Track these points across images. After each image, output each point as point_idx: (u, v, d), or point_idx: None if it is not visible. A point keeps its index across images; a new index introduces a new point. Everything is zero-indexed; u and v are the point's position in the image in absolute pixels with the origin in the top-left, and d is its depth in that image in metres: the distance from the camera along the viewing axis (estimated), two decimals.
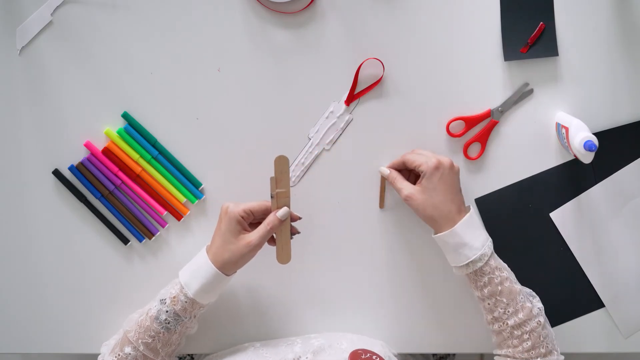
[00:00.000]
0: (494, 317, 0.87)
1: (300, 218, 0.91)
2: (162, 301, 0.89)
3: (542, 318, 0.87)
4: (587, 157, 0.89)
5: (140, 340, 0.89)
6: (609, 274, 1.00)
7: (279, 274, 1.01)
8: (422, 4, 0.96)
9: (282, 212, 0.88)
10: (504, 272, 0.87)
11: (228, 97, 1.00)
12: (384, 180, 0.98)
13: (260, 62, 0.99)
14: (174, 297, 0.88)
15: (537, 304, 0.89)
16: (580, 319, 1.01)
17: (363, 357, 0.88)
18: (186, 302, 0.88)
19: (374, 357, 0.89)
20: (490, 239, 0.89)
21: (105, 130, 1.00)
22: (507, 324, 0.86)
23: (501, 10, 0.96)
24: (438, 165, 0.87)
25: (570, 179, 0.98)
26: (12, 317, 1.05)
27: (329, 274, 1.02)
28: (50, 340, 1.06)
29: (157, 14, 0.98)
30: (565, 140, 0.92)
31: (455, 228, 0.86)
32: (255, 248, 0.87)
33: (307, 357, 0.90)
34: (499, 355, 0.90)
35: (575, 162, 0.98)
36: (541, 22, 0.95)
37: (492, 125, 0.98)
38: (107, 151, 1.00)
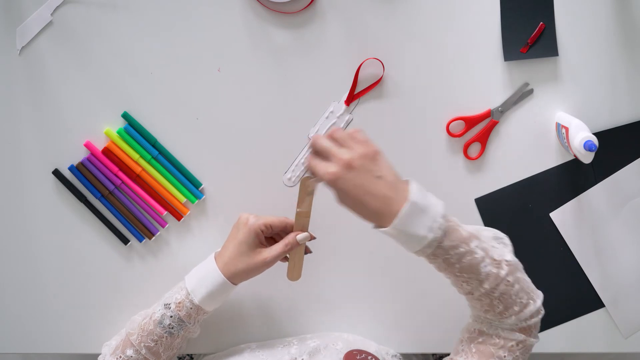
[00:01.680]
0: (458, 288, 0.81)
1: (314, 238, 0.90)
2: (167, 306, 0.89)
3: (512, 276, 0.79)
4: (587, 157, 0.89)
5: (142, 344, 0.89)
6: (609, 274, 1.00)
7: (276, 275, 1.01)
8: (422, 4, 0.96)
9: (302, 236, 0.87)
10: (461, 248, 0.76)
11: (228, 97, 1.00)
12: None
13: (260, 62, 0.99)
14: (179, 303, 0.88)
15: (506, 256, 0.80)
16: (580, 319, 1.01)
17: (358, 357, 0.88)
18: (191, 308, 0.88)
19: (369, 357, 0.89)
20: (442, 215, 0.76)
21: (105, 130, 1.00)
22: (473, 294, 0.79)
23: (501, 10, 0.96)
24: (336, 176, 0.75)
25: (570, 179, 0.98)
26: (12, 317, 1.06)
27: (328, 274, 1.02)
28: (50, 340, 1.06)
29: (157, 14, 0.98)
30: (565, 140, 0.92)
31: (393, 226, 0.75)
32: (269, 264, 0.87)
33: (302, 359, 0.90)
34: (471, 316, 0.85)
35: (575, 162, 0.98)
36: (541, 22, 0.95)
37: (492, 125, 0.98)
38: (107, 151, 1.00)
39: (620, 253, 0.99)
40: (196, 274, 0.90)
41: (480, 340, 0.81)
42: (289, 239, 0.87)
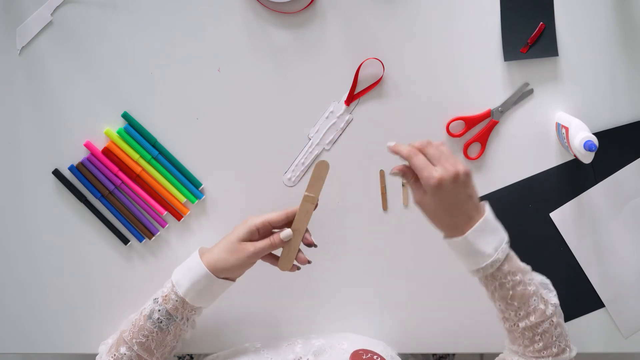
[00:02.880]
0: (504, 317, 0.87)
1: (316, 246, 0.90)
2: (155, 300, 0.89)
3: (556, 318, 0.85)
4: (587, 157, 0.89)
5: (134, 340, 0.89)
6: (609, 274, 1.00)
7: (278, 274, 1.01)
8: (422, 4, 0.96)
9: (285, 234, 0.87)
10: (517, 276, 0.84)
11: (228, 97, 1.00)
12: (383, 180, 0.98)
13: (260, 62, 0.99)
14: (166, 296, 0.88)
15: (552, 299, 0.86)
16: (580, 319, 1.01)
17: (364, 357, 0.88)
18: (177, 300, 0.88)
19: (375, 357, 0.89)
20: (506, 241, 0.85)
21: (105, 130, 1.00)
22: (519, 325, 0.85)
23: (501, 10, 0.96)
24: (439, 185, 0.80)
25: (570, 179, 0.98)
26: (12, 317, 1.05)
27: (329, 274, 1.02)
28: (50, 340, 1.06)
29: (157, 14, 0.98)
30: (565, 140, 0.92)
31: (465, 236, 0.82)
32: (251, 256, 0.87)
33: (307, 358, 0.90)
34: (509, 349, 0.89)
35: (575, 162, 0.98)
36: (541, 22, 0.95)
37: (492, 125, 0.98)
38: (107, 151, 1.00)
39: (620, 253, 0.99)
40: (182, 267, 0.90)
41: None
42: (274, 237, 0.87)
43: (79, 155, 1.01)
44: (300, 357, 0.90)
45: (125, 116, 1.00)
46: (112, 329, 1.03)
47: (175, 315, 0.89)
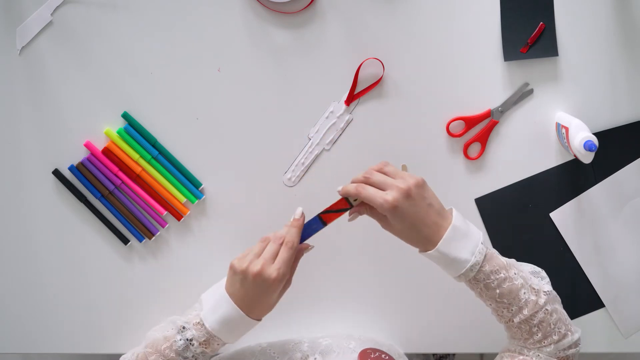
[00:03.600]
0: (498, 315, 0.87)
1: (312, 247, 0.88)
2: (189, 341, 0.84)
3: (550, 305, 0.84)
4: (587, 157, 0.89)
5: None
6: (609, 274, 1.00)
7: None
8: (422, 4, 0.96)
9: (298, 211, 0.86)
10: (501, 274, 0.83)
11: (228, 97, 1.00)
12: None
13: (260, 62, 0.99)
14: (205, 341, 0.84)
15: (544, 287, 0.86)
16: (580, 319, 1.01)
17: (372, 356, 0.88)
18: (218, 344, 0.85)
19: (383, 355, 0.88)
20: (481, 241, 0.83)
21: (105, 130, 1.00)
22: (514, 321, 0.85)
23: (501, 10, 0.96)
24: (394, 207, 0.80)
25: (570, 179, 0.98)
26: (12, 317, 1.06)
27: (329, 276, 1.02)
28: (50, 340, 1.06)
29: (157, 14, 0.98)
30: (565, 140, 0.92)
31: (437, 248, 0.81)
32: (289, 279, 0.86)
33: (315, 358, 0.90)
34: (511, 346, 0.88)
35: (575, 162, 0.98)
36: (541, 22, 0.95)
37: (492, 125, 0.98)
38: (107, 151, 1.00)
39: (620, 253, 0.99)
40: (216, 316, 0.84)
41: (521, 358, 0.85)
42: (284, 236, 0.84)
43: (79, 155, 1.01)
44: (308, 356, 0.90)
45: (125, 116, 1.00)
46: (112, 328, 1.03)
47: (212, 352, 0.86)
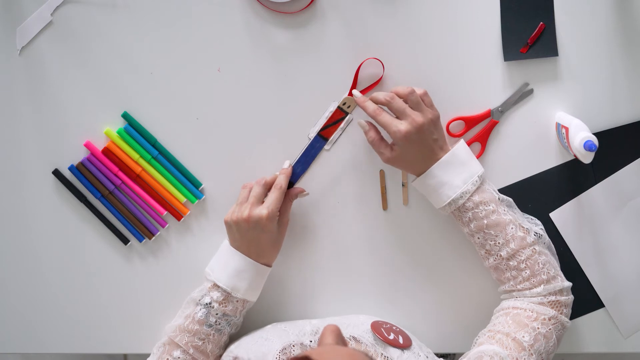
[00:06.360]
0: (486, 250, 0.86)
1: (307, 193, 0.96)
2: (208, 305, 0.89)
3: (538, 246, 0.86)
4: (587, 157, 0.89)
5: (190, 344, 0.89)
6: (609, 274, 1.00)
7: (278, 276, 1.01)
8: (422, 4, 0.96)
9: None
10: (490, 206, 0.85)
11: (228, 97, 1.00)
12: (383, 180, 0.98)
13: (260, 62, 0.99)
14: (224, 300, 0.89)
15: (535, 228, 0.88)
16: (580, 319, 1.01)
17: (384, 326, 0.88)
18: (237, 301, 0.89)
19: (394, 327, 0.89)
20: (478, 172, 0.88)
21: (105, 130, 1.00)
22: (500, 255, 0.84)
23: (501, 10, 0.96)
24: (406, 137, 0.85)
25: (570, 179, 0.98)
26: (12, 317, 1.06)
27: (328, 274, 1.02)
28: (50, 340, 1.06)
29: (157, 14, 0.98)
30: (565, 140, 0.92)
31: (431, 170, 0.86)
32: (286, 221, 0.94)
33: None
34: (504, 294, 0.89)
35: (575, 162, 0.98)
36: (541, 22, 0.95)
37: (492, 125, 0.98)
38: (107, 151, 1.00)
39: (620, 253, 0.99)
40: (227, 272, 0.90)
41: (514, 312, 0.85)
42: (277, 183, 0.93)
43: (79, 155, 1.01)
44: (318, 329, 0.90)
45: (125, 116, 1.00)
46: (112, 328, 1.03)
47: (234, 315, 0.89)
